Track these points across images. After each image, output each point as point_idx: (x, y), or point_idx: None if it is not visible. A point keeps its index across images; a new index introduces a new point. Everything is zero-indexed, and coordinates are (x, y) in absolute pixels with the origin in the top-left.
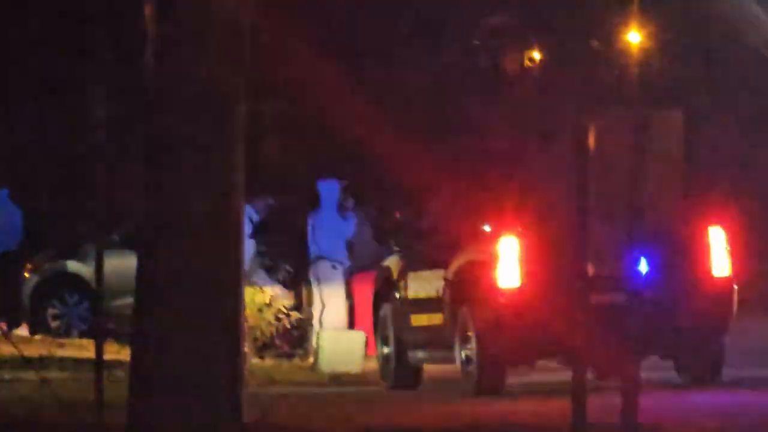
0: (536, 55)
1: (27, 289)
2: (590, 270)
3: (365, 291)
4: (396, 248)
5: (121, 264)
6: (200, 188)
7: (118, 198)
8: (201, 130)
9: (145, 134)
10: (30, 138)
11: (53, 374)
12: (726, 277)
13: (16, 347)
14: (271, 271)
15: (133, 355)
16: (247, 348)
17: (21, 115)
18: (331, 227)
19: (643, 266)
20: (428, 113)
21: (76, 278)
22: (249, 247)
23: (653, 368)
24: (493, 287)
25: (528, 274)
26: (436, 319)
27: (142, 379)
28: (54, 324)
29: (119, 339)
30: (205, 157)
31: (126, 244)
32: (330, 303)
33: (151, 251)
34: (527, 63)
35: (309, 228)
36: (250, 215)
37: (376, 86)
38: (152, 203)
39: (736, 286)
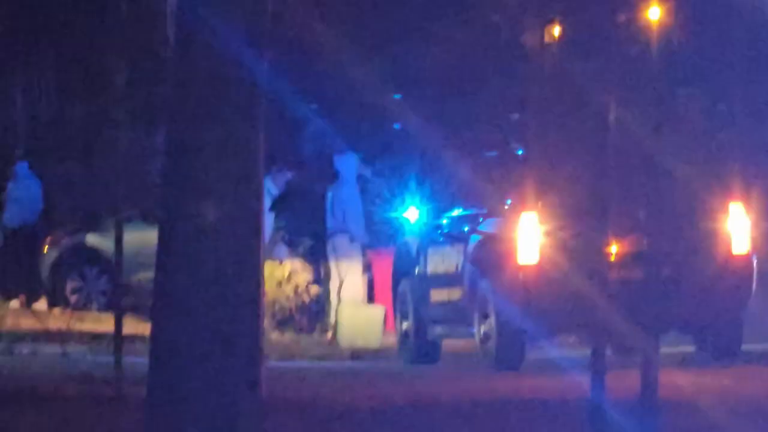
0: (557, 31)
1: (46, 263)
2: (610, 246)
3: (385, 265)
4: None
5: (141, 238)
6: (222, 165)
7: (139, 171)
8: (223, 105)
9: (167, 109)
10: (50, 109)
11: (72, 348)
12: (745, 254)
13: (39, 320)
14: (290, 246)
15: (153, 330)
16: (266, 322)
17: (41, 87)
18: (348, 201)
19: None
20: (449, 88)
21: (96, 252)
22: (268, 221)
23: (672, 344)
24: (512, 263)
25: (548, 249)
26: (455, 294)
27: (162, 353)
28: (73, 298)
29: (138, 313)
30: (227, 135)
31: (146, 217)
32: (348, 277)
33: (172, 226)
34: (548, 39)
35: (327, 202)
36: (268, 188)
37: (394, 61)
38: (173, 178)
39: (755, 262)
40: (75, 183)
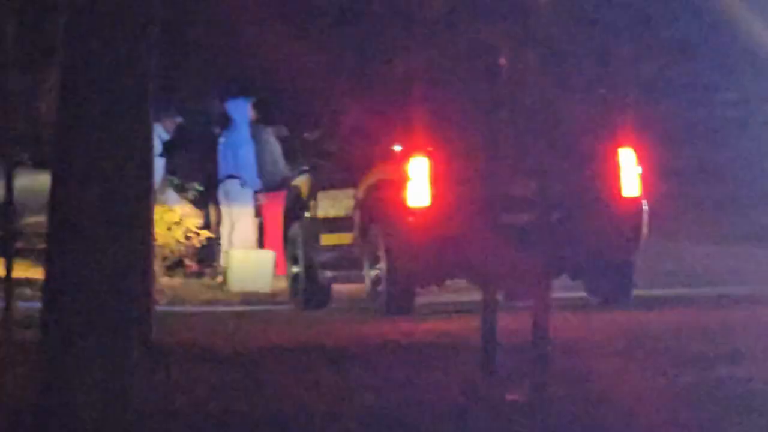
0: None
1: None
2: (500, 190)
3: (275, 210)
4: (305, 167)
5: (31, 182)
6: (113, 113)
7: (28, 115)
8: (113, 48)
9: (59, 52)
10: None
11: None
12: (635, 198)
13: None
14: (180, 190)
15: (46, 272)
16: (155, 267)
17: None
18: (240, 146)
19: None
20: (341, 32)
21: None
22: (158, 166)
23: (563, 288)
24: (402, 207)
25: (438, 193)
26: (345, 238)
27: (54, 295)
28: None
29: (28, 257)
30: (117, 79)
31: (35, 162)
32: (239, 222)
33: (63, 169)
34: None
35: (219, 147)
36: (158, 133)
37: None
38: (64, 122)
39: (646, 207)
40: None
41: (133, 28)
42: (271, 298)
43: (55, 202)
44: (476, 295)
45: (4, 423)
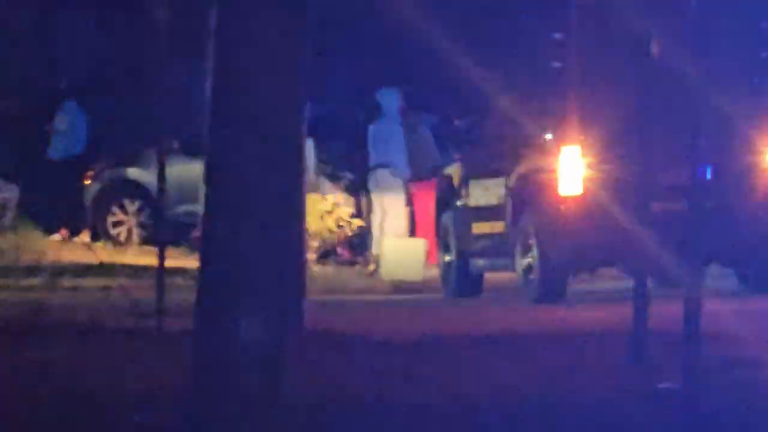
0: None
1: (88, 196)
2: (652, 178)
3: (426, 199)
4: (457, 155)
5: (182, 171)
6: (265, 101)
7: (180, 105)
8: (268, 31)
9: (214, 38)
10: (95, 44)
11: (114, 281)
12: None
13: (82, 253)
14: (332, 179)
15: (201, 262)
16: (308, 255)
17: (85, 22)
18: (391, 135)
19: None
20: (492, 18)
21: (137, 185)
22: (311, 155)
23: (715, 276)
24: (555, 195)
25: (590, 181)
26: (497, 227)
27: (209, 284)
28: (115, 231)
29: (180, 246)
30: (269, 70)
31: (186, 150)
32: (390, 211)
33: (216, 166)
34: None
35: (369, 136)
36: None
37: None
38: (217, 119)
39: None
40: (118, 116)
41: (287, 16)
42: (423, 286)
43: (210, 189)
44: (627, 283)
45: (160, 410)
